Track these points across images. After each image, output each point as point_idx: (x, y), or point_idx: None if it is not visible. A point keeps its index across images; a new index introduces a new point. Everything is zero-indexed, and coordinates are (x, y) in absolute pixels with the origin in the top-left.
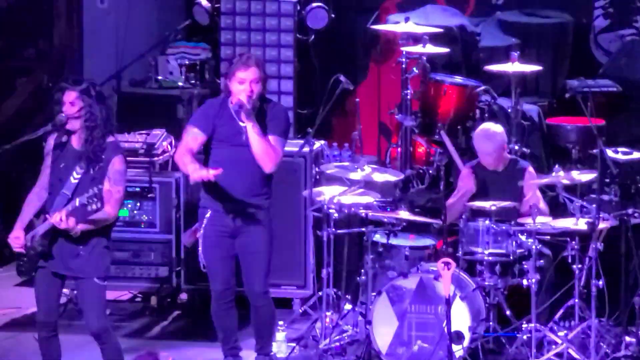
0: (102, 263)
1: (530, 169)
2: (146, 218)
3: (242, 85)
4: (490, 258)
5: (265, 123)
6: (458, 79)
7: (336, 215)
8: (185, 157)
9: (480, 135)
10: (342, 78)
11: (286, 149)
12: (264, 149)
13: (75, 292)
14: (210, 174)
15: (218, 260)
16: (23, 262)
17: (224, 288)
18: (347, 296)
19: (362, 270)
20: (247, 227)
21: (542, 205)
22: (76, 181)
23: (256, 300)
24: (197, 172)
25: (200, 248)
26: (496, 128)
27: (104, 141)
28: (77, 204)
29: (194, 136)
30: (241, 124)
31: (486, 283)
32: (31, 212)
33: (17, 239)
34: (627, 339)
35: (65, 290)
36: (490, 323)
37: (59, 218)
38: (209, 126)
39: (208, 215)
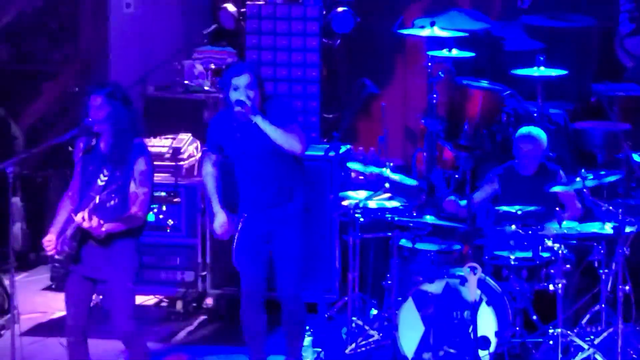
0: (132, 266)
1: (561, 172)
2: (172, 222)
3: (236, 92)
4: (516, 263)
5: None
6: (484, 83)
7: (362, 219)
8: (211, 193)
9: (522, 135)
10: (367, 82)
11: (312, 153)
12: (282, 135)
13: (101, 297)
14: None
15: (249, 262)
16: (56, 266)
17: (252, 290)
18: (373, 301)
19: (388, 275)
20: (279, 231)
21: (577, 204)
22: (103, 183)
23: (288, 304)
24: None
25: (234, 250)
26: (539, 132)
27: (131, 144)
28: (97, 201)
29: (208, 157)
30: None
31: (512, 288)
32: (64, 216)
33: (49, 242)
34: None
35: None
36: (517, 328)
37: (81, 217)
38: (217, 145)
39: (243, 219)
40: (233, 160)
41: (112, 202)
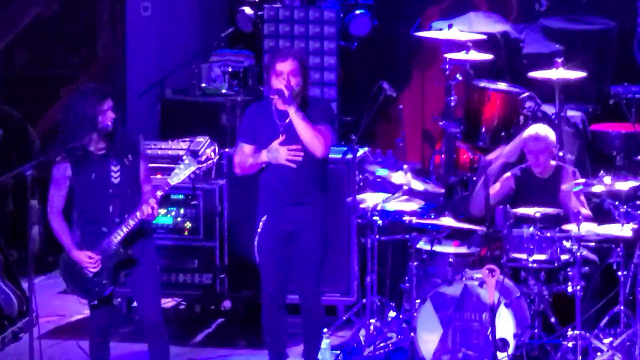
0: (155, 250)
1: (578, 175)
2: (190, 225)
3: (279, 78)
4: (534, 265)
5: (309, 118)
6: (502, 86)
7: (380, 222)
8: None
9: (528, 135)
10: (385, 85)
11: (330, 155)
12: (310, 132)
13: (120, 300)
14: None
15: (272, 264)
16: (95, 281)
17: (276, 293)
18: (391, 303)
19: (406, 277)
20: (301, 230)
21: (585, 210)
22: (118, 179)
23: (308, 304)
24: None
25: (256, 251)
26: (546, 130)
27: (128, 131)
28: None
29: (242, 151)
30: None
31: (531, 290)
32: (67, 233)
33: (92, 258)
34: None
35: None
36: (535, 330)
37: (150, 209)
38: (253, 133)
39: (264, 219)
40: (260, 150)
41: (130, 188)
